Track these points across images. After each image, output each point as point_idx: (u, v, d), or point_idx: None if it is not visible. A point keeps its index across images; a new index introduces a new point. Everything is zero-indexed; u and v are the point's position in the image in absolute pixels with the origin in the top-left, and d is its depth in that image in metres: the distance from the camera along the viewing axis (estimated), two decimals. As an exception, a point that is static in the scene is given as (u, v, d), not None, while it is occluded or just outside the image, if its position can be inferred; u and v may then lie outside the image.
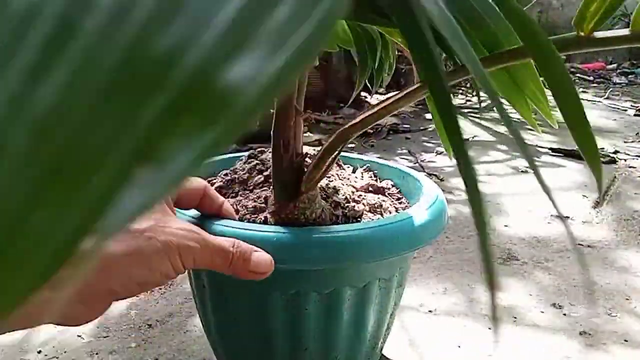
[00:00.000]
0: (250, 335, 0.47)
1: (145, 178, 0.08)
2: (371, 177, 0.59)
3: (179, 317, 0.77)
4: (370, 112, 0.37)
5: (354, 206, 0.48)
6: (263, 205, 0.46)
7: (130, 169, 0.08)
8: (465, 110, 2.22)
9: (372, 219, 0.48)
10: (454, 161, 0.18)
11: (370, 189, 0.54)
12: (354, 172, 0.59)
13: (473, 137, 1.88)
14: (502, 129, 2.11)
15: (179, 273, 0.36)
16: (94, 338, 0.72)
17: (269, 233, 0.40)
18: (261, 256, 0.38)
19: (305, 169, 0.43)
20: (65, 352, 0.69)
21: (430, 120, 2.01)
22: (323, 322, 0.45)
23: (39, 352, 0.69)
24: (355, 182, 0.55)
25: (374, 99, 2.54)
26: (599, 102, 2.72)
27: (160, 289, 0.85)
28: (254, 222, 0.45)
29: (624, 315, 0.82)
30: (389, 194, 0.55)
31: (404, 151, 1.71)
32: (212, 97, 0.09)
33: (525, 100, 0.39)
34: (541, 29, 0.18)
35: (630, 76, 3.71)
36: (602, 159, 1.57)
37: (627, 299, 0.87)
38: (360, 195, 0.51)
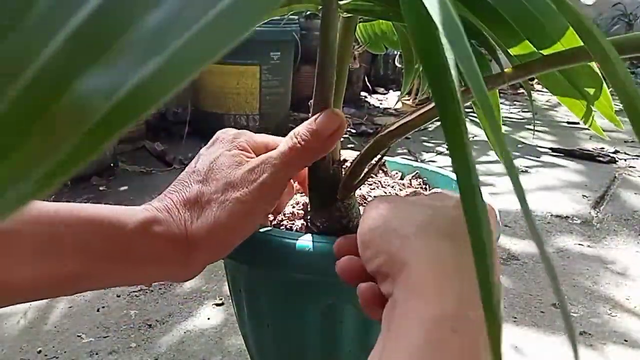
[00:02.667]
0: (284, 344, 0.46)
1: None
2: (420, 184, 0.55)
3: (179, 317, 0.77)
4: (408, 119, 0.35)
5: None
6: (301, 211, 0.45)
7: None
8: (466, 110, 2.22)
9: None
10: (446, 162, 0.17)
11: None
12: (402, 178, 0.56)
13: (473, 137, 1.88)
14: (503, 128, 2.10)
15: (277, 198, 0.37)
16: (94, 338, 0.72)
17: (303, 242, 0.38)
18: (321, 117, 0.36)
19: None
20: (65, 352, 0.69)
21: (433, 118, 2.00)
22: (359, 336, 0.43)
23: (39, 352, 0.69)
24: (400, 190, 0.51)
25: (374, 99, 2.53)
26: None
27: (160, 288, 0.85)
28: (290, 229, 0.43)
29: (624, 315, 0.82)
30: None
31: (404, 151, 1.71)
32: (57, 114, 0.08)
33: (581, 102, 0.37)
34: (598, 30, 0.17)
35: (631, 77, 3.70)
36: (602, 159, 1.55)
37: (627, 299, 0.87)
38: None
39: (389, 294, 0.27)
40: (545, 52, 0.32)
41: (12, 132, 0.08)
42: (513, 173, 0.13)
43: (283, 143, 0.37)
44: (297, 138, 0.36)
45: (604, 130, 0.42)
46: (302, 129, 0.36)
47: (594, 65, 0.35)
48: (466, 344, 0.23)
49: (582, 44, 0.28)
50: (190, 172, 0.38)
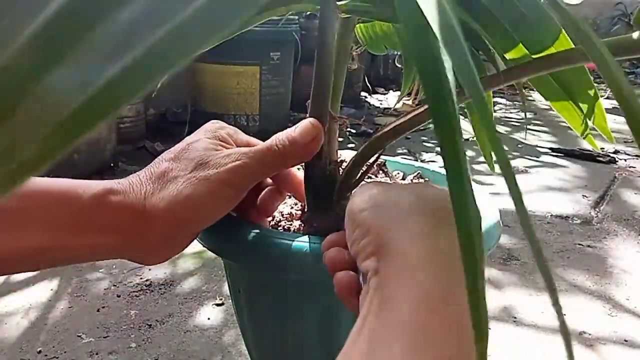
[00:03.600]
0: (283, 344, 0.46)
1: None
2: None
3: (179, 317, 0.77)
4: (402, 120, 0.35)
5: None
6: (299, 212, 0.45)
7: None
8: (466, 110, 2.22)
9: None
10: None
11: None
12: (403, 179, 0.56)
13: (473, 137, 1.88)
14: (502, 129, 2.11)
15: (244, 190, 0.37)
16: (94, 338, 0.72)
17: (300, 243, 0.38)
18: (300, 127, 0.37)
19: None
20: (65, 352, 0.69)
21: (430, 120, 1.99)
22: None
23: (39, 352, 0.69)
24: None
25: (374, 99, 2.53)
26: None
27: (160, 288, 0.85)
28: (288, 229, 0.43)
29: (624, 315, 0.82)
30: None
31: (404, 151, 1.71)
32: (24, 110, 0.07)
33: (574, 109, 0.37)
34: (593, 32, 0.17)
35: (630, 76, 3.71)
36: (602, 159, 1.55)
37: (627, 299, 0.87)
38: None
39: (368, 270, 0.27)
40: (538, 55, 0.33)
41: None
42: (510, 179, 0.13)
43: (264, 143, 0.38)
44: (275, 141, 0.37)
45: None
46: (282, 135, 0.37)
47: (590, 75, 0.35)
48: (456, 315, 0.23)
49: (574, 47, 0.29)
50: (165, 152, 0.38)
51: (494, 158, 0.47)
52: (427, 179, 0.56)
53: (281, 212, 0.45)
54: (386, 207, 0.29)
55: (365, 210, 0.29)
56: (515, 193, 0.13)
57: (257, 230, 0.40)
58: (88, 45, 0.08)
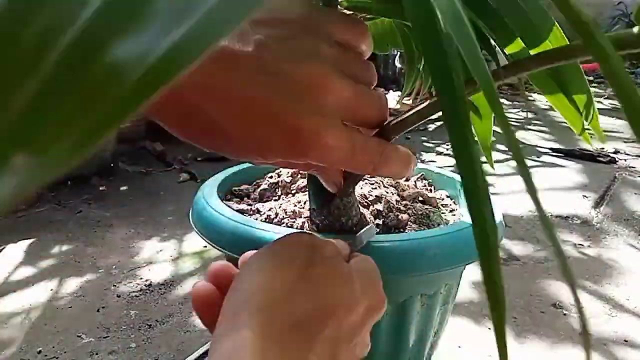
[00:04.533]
0: None
1: (21, 165, 0.08)
2: (425, 186, 0.56)
3: (179, 317, 0.77)
4: (405, 116, 0.35)
5: (397, 215, 0.45)
6: (302, 209, 0.46)
7: (5, 155, 0.08)
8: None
9: (416, 230, 0.45)
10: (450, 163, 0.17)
11: (420, 198, 0.51)
12: (407, 180, 0.56)
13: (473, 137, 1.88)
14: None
15: None
16: (94, 338, 0.72)
17: None
18: None
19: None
20: (65, 352, 0.69)
21: (430, 119, 2.00)
22: None
23: (39, 352, 0.69)
24: (403, 190, 0.52)
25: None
26: (599, 102, 2.73)
27: (160, 289, 0.85)
28: (291, 226, 0.44)
29: (624, 315, 0.82)
30: (442, 205, 0.52)
31: (404, 151, 1.71)
32: (92, 78, 0.08)
33: (571, 105, 0.37)
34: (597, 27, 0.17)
35: (630, 76, 3.71)
36: (602, 159, 1.55)
37: (627, 299, 0.87)
38: (407, 204, 0.49)
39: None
40: (534, 51, 0.33)
41: (54, 92, 0.08)
42: (524, 169, 0.13)
43: None
44: None
45: (608, 132, 0.42)
46: None
47: (585, 77, 0.35)
48: None
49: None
50: None
51: (495, 157, 0.47)
52: (430, 180, 0.57)
53: (285, 210, 0.45)
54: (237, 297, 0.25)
55: (242, 269, 0.26)
56: (529, 183, 0.13)
57: (261, 227, 0.41)
58: (149, 14, 0.09)
